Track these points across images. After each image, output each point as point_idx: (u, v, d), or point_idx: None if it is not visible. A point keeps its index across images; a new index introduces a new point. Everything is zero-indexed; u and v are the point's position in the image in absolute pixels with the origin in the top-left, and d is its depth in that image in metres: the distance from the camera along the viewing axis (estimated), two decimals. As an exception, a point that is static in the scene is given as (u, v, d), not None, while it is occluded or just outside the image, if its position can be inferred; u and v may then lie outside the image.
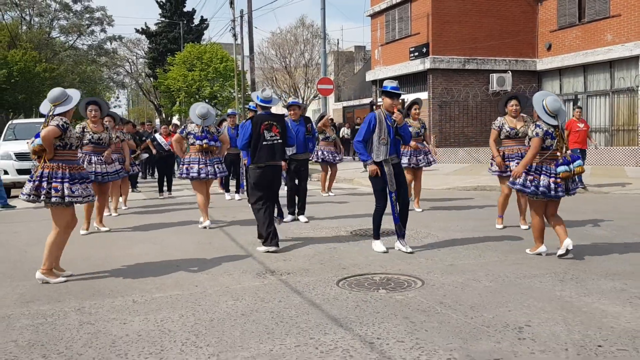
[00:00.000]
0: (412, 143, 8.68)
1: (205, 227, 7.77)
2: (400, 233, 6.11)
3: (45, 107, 5.30)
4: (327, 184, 11.61)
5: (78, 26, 37.49)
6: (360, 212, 8.86)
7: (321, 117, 12.05)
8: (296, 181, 8.45)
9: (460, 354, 3.24)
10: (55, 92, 5.27)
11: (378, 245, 6.13)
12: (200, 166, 7.82)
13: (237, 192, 11.55)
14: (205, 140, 7.83)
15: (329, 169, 11.57)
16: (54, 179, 5.07)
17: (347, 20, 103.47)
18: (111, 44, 42.93)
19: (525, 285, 4.64)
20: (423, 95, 20.29)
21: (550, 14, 21.11)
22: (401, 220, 6.08)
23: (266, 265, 5.56)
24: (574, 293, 4.40)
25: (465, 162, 19.04)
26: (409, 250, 5.99)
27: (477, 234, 6.97)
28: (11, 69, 23.16)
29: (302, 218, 8.29)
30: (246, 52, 28.57)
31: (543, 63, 21.41)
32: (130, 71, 48.40)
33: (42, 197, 5.08)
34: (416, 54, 21.08)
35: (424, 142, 9.19)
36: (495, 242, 6.48)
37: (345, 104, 32.37)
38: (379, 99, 7.10)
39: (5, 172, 12.73)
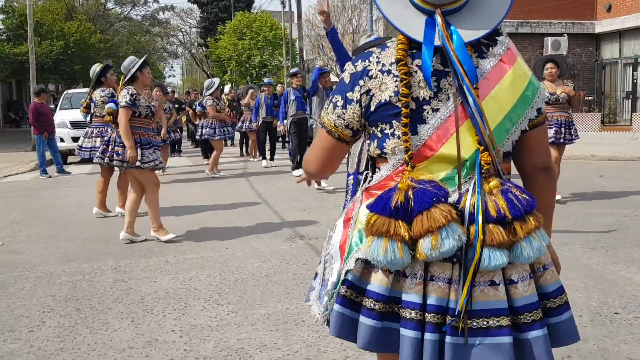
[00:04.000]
0: None
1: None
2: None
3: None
4: None
5: (132, -3, 38.24)
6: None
7: None
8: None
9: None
10: (125, 61, 5.48)
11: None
12: None
13: (271, 158, 11.71)
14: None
15: None
16: (118, 143, 5.25)
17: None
18: (164, 14, 43.60)
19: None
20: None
21: (610, -27, 20.02)
22: None
23: (296, 230, 5.68)
24: (601, 261, 4.32)
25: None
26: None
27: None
28: (68, 40, 23.95)
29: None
30: (295, 19, 28.46)
31: (602, 25, 20.40)
32: (182, 41, 49.14)
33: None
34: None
35: None
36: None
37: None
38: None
39: (62, 140, 13.30)
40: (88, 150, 6.98)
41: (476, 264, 1.40)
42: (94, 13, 31.61)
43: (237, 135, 15.13)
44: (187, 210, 6.91)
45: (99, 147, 6.45)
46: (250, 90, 12.79)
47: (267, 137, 11.92)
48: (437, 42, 1.47)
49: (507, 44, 1.51)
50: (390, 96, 1.49)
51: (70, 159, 13.53)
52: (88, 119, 7.26)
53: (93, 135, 7.01)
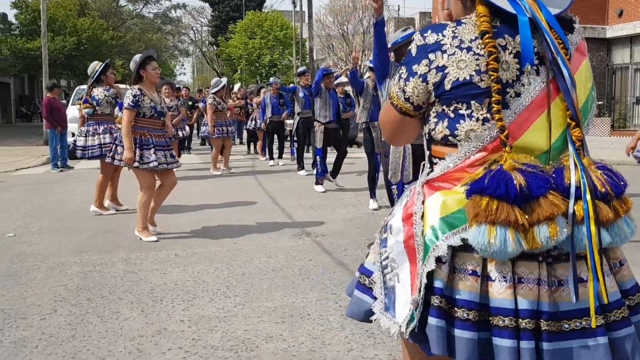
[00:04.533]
0: None
1: None
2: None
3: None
4: None
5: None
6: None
7: None
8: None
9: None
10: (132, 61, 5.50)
11: (372, 204, 6.78)
12: None
13: (279, 157, 11.78)
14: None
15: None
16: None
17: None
18: (175, 12, 43.92)
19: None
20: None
21: (623, -22, 19.96)
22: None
23: (303, 227, 5.75)
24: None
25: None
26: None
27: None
28: (80, 36, 24.18)
29: (335, 181, 8.42)
30: (306, 19, 28.54)
31: (613, 30, 20.34)
32: (194, 39, 49.38)
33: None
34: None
35: None
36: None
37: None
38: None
39: (73, 135, 13.44)
40: (84, 148, 6.60)
41: (597, 242, 1.30)
42: (106, 10, 31.84)
43: (244, 134, 15.25)
44: (195, 207, 7.00)
45: (97, 146, 6.53)
46: (263, 89, 12.88)
47: (275, 137, 11.99)
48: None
49: (582, 33, 1.48)
50: (471, 75, 1.37)
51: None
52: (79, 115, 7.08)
53: (90, 134, 6.61)
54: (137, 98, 5.17)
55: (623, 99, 19.64)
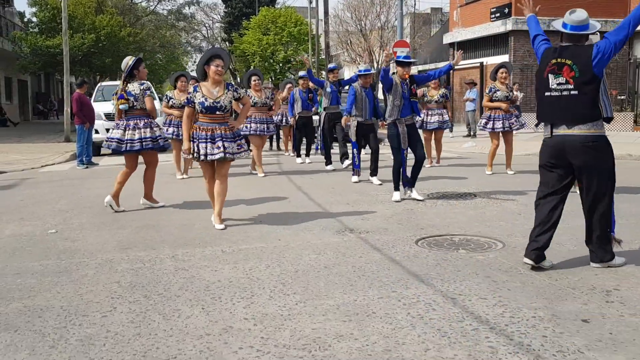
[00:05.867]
0: (504, 106, 8.71)
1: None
2: (411, 184, 6.95)
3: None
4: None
5: (159, -9, 38.51)
6: (435, 175, 8.83)
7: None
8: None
9: (545, 312, 3.25)
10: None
11: (395, 195, 6.88)
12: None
13: (307, 155, 11.64)
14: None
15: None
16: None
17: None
18: (189, 8, 43.88)
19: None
20: (503, 59, 19.56)
21: (646, -30, 19.65)
22: (413, 173, 6.92)
23: (345, 224, 5.68)
24: (666, 260, 4.25)
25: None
26: (420, 197, 6.87)
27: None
28: (99, 33, 24.21)
29: (374, 180, 8.35)
30: (321, 15, 28.43)
31: (636, 24, 20.04)
32: (207, 35, 49.37)
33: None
34: (497, 14, 20.30)
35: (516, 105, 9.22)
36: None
37: (420, 67, 31.70)
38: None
39: (96, 131, 13.46)
40: (121, 141, 6.48)
41: None
42: (122, 7, 31.89)
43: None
44: (228, 202, 6.94)
45: (137, 140, 6.46)
46: (288, 85, 12.72)
47: (305, 133, 11.75)
48: None
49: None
50: None
51: (105, 150, 13.66)
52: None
53: (130, 127, 6.53)
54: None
55: (646, 93, 19.33)
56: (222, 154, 5.44)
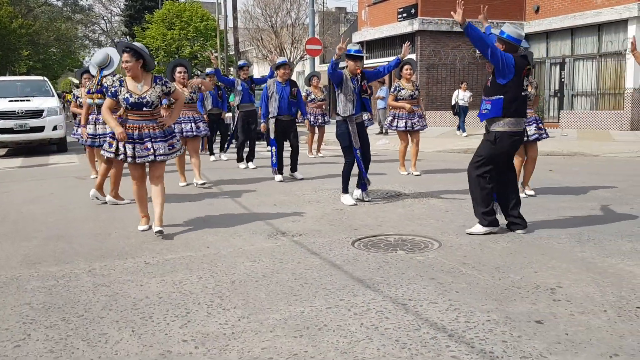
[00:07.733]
0: (407, 105, 8.59)
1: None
2: (364, 185, 6.63)
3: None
4: (315, 145, 11.65)
5: (51, -20, 36.11)
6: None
7: (310, 78, 11.91)
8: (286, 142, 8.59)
9: (498, 315, 3.17)
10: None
11: (347, 199, 6.49)
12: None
13: (221, 150, 11.30)
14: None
15: (317, 131, 11.55)
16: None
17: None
18: (86, 0, 41.52)
19: (544, 246, 4.59)
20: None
21: (540, -24, 20.85)
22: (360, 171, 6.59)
23: (275, 227, 5.42)
24: (595, 254, 4.36)
25: (453, 125, 18.96)
26: (369, 199, 6.64)
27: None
28: (-16, 24, 22.23)
29: (297, 174, 8.41)
30: (229, 10, 27.82)
31: (530, 26, 21.23)
32: (106, 29, 46.99)
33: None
34: (404, 15, 20.74)
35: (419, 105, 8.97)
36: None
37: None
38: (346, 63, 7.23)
39: None
40: (94, 137, 7.15)
41: None
42: (11, -5, 29.51)
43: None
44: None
45: (109, 134, 6.10)
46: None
47: (217, 130, 11.45)
48: None
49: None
50: None
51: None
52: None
53: (100, 122, 7.04)
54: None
55: (541, 92, 20.52)
56: (152, 156, 5.01)
